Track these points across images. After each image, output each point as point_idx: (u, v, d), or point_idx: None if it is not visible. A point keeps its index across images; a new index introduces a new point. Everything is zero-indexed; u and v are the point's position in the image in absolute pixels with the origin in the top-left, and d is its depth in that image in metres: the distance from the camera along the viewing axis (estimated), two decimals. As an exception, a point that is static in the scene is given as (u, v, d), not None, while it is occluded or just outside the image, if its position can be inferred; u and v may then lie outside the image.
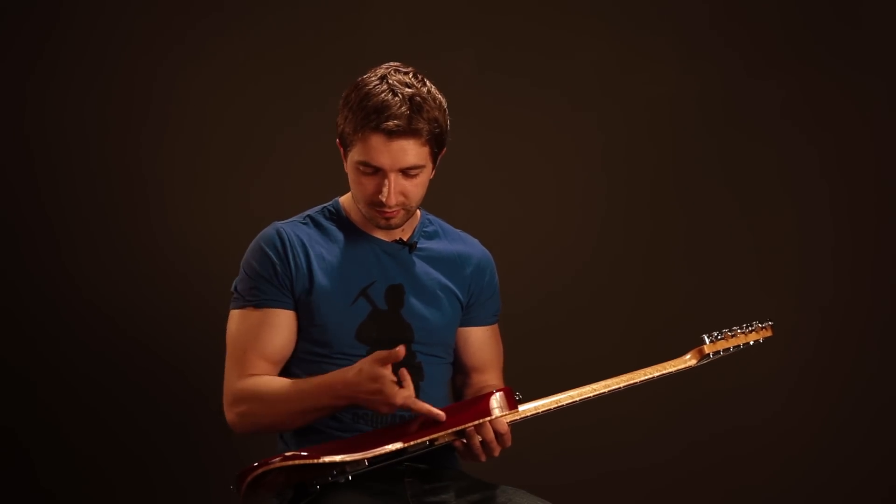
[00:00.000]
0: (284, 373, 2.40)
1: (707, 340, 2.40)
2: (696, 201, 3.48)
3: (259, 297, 2.37)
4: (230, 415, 2.36)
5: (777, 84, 3.45)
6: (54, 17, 3.27)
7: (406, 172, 2.33)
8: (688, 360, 2.40)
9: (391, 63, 2.36)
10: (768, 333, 2.47)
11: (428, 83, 2.34)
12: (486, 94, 3.36)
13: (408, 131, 2.29)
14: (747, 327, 2.45)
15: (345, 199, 2.48)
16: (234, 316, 2.39)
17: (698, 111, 3.46)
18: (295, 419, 2.33)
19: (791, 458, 3.49)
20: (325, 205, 2.50)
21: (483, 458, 2.30)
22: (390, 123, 2.27)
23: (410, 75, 2.33)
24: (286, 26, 3.35)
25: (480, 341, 2.53)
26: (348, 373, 2.25)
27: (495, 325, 2.57)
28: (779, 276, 3.49)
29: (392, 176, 2.31)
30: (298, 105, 3.33)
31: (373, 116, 2.28)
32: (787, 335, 3.32)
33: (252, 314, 2.37)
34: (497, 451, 2.28)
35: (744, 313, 3.38)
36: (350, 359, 2.34)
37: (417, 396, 2.33)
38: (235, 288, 2.41)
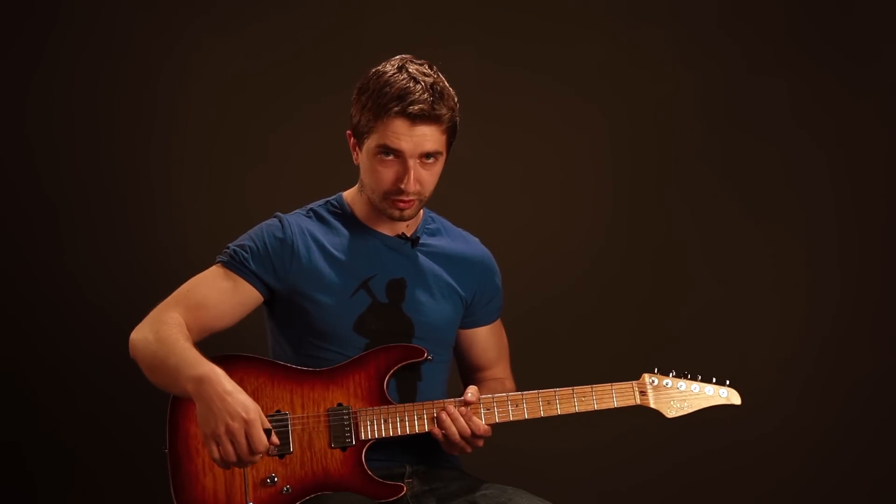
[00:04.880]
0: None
1: (669, 412, 2.40)
2: (700, 199, 3.51)
3: (236, 261, 2.39)
4: (136, 331, 2.32)
5: (781, 80, 3.47)
6: (53, 17, 3.34)
7: (424, 160, 2.34)
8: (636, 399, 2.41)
9: (404, 55, 2.39)
10: (733, 400, 2.43)
11: (442, 76, 2.38)
12: (487, 89, 3.38)
13: (431, 116, 2.32)
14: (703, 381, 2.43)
15: (348, 194, 2.50)
16: (211, 267, 2.42)
17: (702, 108, 3.49)
18: (156, 372, 2.26)
19: (799, 465, 3.51)
20: (327, 198, 2.52)
21: (455, 452, 2.38)
22: (414, 108, 2.30)
23: (426, 66, 2.37)
24: (285, 22, 3.40)
25: (486, 340, 2.58)
26: (227, 379, 2.18)
27: (498, 320, 2.61)
28: (785, 275, 3.51)
29: (411, 162, 2.33)
30: (299, 101, 3.39)
31: (396, 101, 2.30)
32: (795, 337, 3.44)
33: (221, 270, 2.40)
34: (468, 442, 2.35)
35: (749, 314, 3.48)
36: (348, 350, 2.39)
37: (415, 398, 2.41)
38: (228, 245, 2.43)
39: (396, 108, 2.30)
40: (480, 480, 2.46)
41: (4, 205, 3.37)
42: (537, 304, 3.45)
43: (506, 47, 3.46)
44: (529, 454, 3.30)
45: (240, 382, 2.30)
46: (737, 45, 3.47)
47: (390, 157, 2.35)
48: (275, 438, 2.22)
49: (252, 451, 2.17)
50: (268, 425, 2.19)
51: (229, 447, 2.16)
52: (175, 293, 2.38)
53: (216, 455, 2.17)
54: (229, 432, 2.15)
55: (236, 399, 2.16)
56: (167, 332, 2.27)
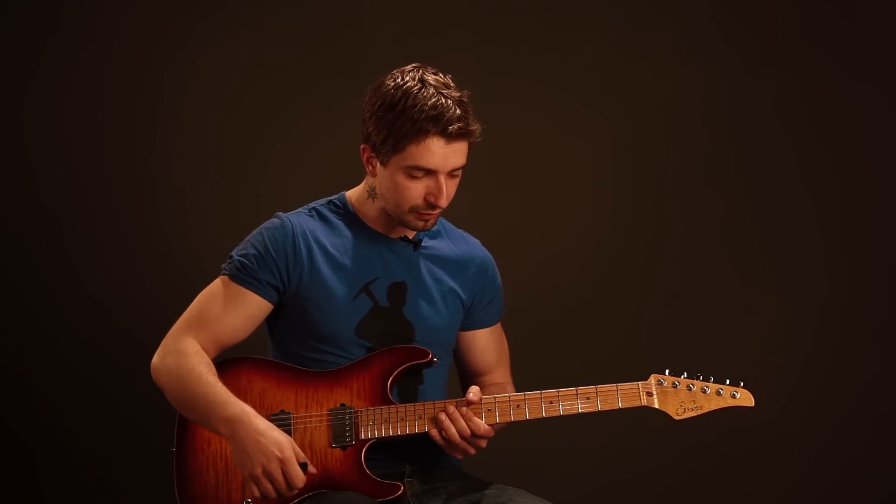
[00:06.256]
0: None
1: (676, 414, 2.33)
2: (693, 201, 3.52)
3: (243, 273, 2.38)
4: (158, 359, 2.35)
5: (775, 86, 3.47)
6: (55, 20, 3.43)
7: (452, 173, 2.35)
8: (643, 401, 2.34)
9: (415, 64, 2.36)
10: (745, 402, 2.35)
11: (455, 85, 2.36)
12: (486, 95, 3.32)
13: (466, 133, 2.32)
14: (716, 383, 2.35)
15: (351, 194, 2.49)
16: (217, 280, 2.41)
17: (700, 111, 3.49)
18: (185, 408, 2.32)
19: (791, 461, 3.47)
20: (330, 198, 2.50)
21: (458, 455, 2.36)
22: (453, 128, 2.29)
23: (441, 74, 2.35)
24: (287, 29, 3.45)
25: (485, 342, 2.55)
26: (257, 418, 2.24)
27: (499, 324, 2.58)
28: (776, 275, 3.50)
29: (442, 177, 2.33)
30: (301, 107, 3.42)
31: (432, 122, 2.29)
32: (786, 337, 3.44)
33: (230, 284, 2.39)
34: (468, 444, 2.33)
35: (743, 315, 3.50)
36: (349, 354, 2.38)
37: (415, 400, 2.40)
38: (232, 255, 2.42)
39: (435, 130, 2.29)
40: (480, 480, 2.43)
41: (9, 205, 3.45)
42: (543, 305, 3.47)
43: (502, 53, 3.49)
44: (530, 453, 3.30)
45: (248, 384, 2.37)
46: (733, 48, 3.50)
47: (420, 174, 2.34)
48: (311, 469, 2.28)
49: (290, 487, 2.24)
50: (303, 458, 2.25)
51: (268, 486, 2.23)
52: (187, 314, 2.39)
53: (257, 494, 2.25)
54: (266, 473, 2.23)
55: (270, 438, 2.23)
56: (190, 365, 2.31)
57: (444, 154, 2.32)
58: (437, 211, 2.38)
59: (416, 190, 2.35)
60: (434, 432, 2.34)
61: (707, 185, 3.53)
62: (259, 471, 2.22)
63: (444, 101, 2.30)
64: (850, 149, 3.50)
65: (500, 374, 2.57)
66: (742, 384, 2.36)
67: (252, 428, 2.23)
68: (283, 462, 2.22)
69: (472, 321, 2.54)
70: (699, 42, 3.49)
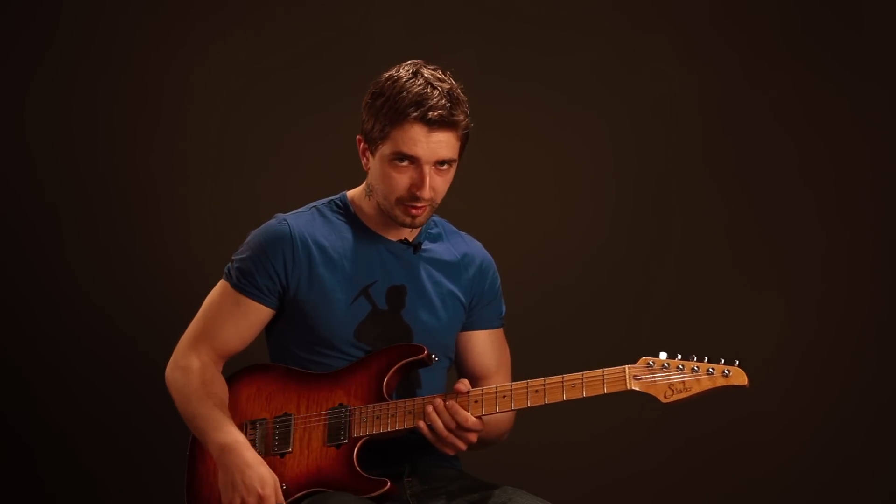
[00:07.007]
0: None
1: (664, 397, 2.20)
2: (694, 202, 3.50)
3: (242, 282, 2.42)
4: (169, 371, 2.43)
5: (775, 86, 3.42)
6: (55, 21, 3.51)
7: (438, 166, 2.34)
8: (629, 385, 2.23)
9: (416, 61, 2.38)
10: (737, 380, 2.19)
11: (454, 82, 2.37)
12: (486, 95, 3.26)
13: (448, 123, 2.31)
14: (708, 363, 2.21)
15: (353, 194, 2.49)
16: (220, 284, 2.45)
17: (697, 113, 3.47)
18: (188, 424, 2.39)
19: (790, 457, 3.41)
20: (332, 197, 2.51)
21: (450, 450, 2.32)
22: (433, 114, 2.28)
23: (440, 71, 2.36)
24: (287, 29, 3.49)
25: (483, 345, 2.51)
26: (248, 450, 2.30)
27: (500, 330, 2.54)
28: (776, 274, 3.46)
29: (427, 168, 2.32)
30: (301, 108, 3.44)
31: (413, 107, 2.29)
32: (787, 334, 3.41)
33: (232, 293, 2.43)
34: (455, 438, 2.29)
35: (744, 313, 3.49)
36: (348, 356, 2.40)
37: (414, 404, 2.39)
38: (233, 258, 2.45)
39: (414, 114, 2.29)
40: (480, 480, 2.39)
41: (10, 205, 3.51)
42: (543, 306, 3.45)
43: (502, 54, 3.49)
44: (529, 453, 3.22)
45: (257, 390, 2.44)
46: (733, 49, 3.47)
47: (405, 164, 2.33)
48: None
49: None
50: (282, 500, 2.31)
51: None
52: (194, 326, 2.46)
53: None
54: None
55: (255, 473, 2.29)
56: (194, 385, 2.39)
57: (427, 142, 2.30)
58: (423, 205, 2.35)
59: (401, 180, 2.34)
60: (422, 425, 2.30)
61: (707, 185, 3.51)
62: (238, 501, 2.28)
63: (430, 90, 2.30)
64: (850, 148, 3.46)
65: (500, 380, 2.50)
66: (737, 363, 2.19)
67: (241, 459, 2.29)
68: (262, 499, 2.27)
69: (470, 322, 2.51)
70: (699, 43, 3.48)
